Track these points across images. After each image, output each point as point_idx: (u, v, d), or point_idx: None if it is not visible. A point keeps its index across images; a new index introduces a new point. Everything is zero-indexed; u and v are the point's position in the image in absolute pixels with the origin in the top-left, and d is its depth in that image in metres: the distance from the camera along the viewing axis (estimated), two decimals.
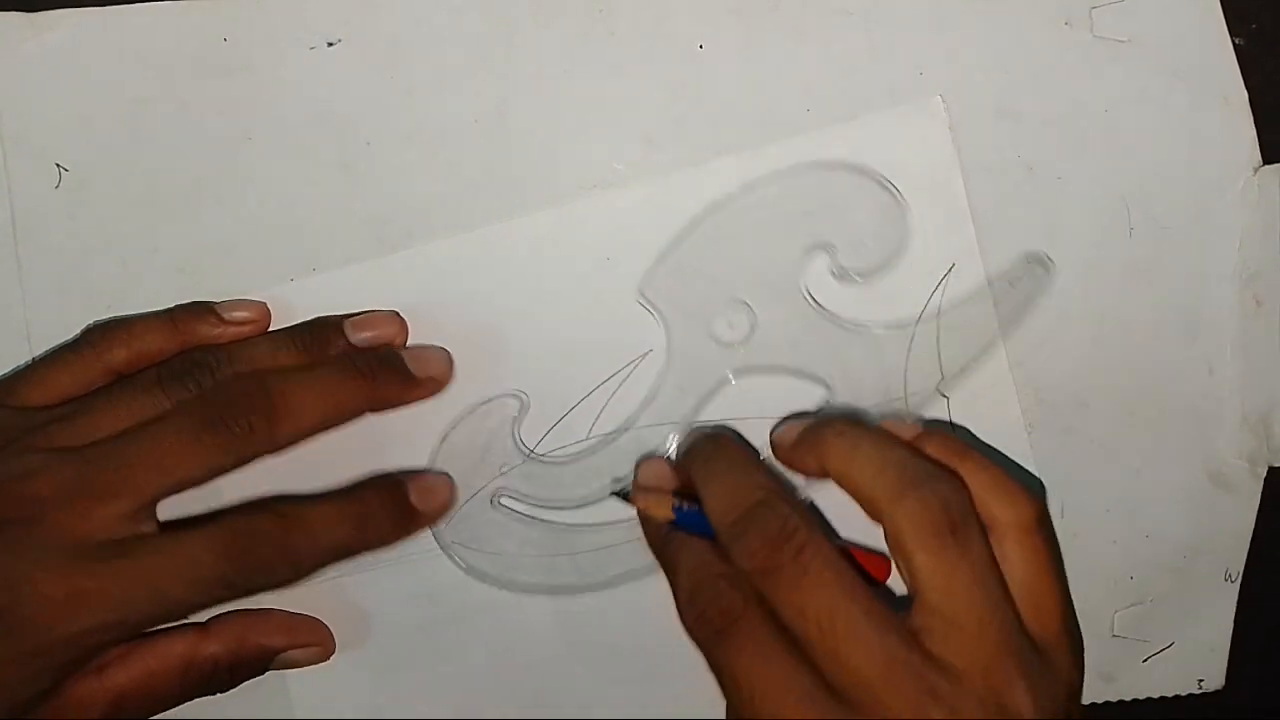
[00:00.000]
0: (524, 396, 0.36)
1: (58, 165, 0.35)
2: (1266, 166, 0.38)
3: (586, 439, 0.37)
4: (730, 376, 0.36)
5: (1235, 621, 0.40)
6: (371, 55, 0.36)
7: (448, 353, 0.35)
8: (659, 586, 0.36)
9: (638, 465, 0.36)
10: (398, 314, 0.35)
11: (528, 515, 0.36)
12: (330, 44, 0.36)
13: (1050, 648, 0.30)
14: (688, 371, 0.36)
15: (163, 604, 0.30)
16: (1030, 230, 0.38)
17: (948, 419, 0.38)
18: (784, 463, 0.34)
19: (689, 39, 0.37)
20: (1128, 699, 0.40)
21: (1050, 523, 0.32)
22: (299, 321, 0.35)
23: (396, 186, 0.36)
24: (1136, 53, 0.38)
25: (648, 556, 0.34)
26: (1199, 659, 0.40)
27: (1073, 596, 0.38)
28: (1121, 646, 0.39)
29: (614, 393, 0.37)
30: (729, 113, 0.37)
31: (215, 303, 0.35)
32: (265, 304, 0.35)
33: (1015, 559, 0.30)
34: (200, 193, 0.36)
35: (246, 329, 0.34)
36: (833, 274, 0.36)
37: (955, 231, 0.37)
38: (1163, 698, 0.40)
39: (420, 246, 0.36)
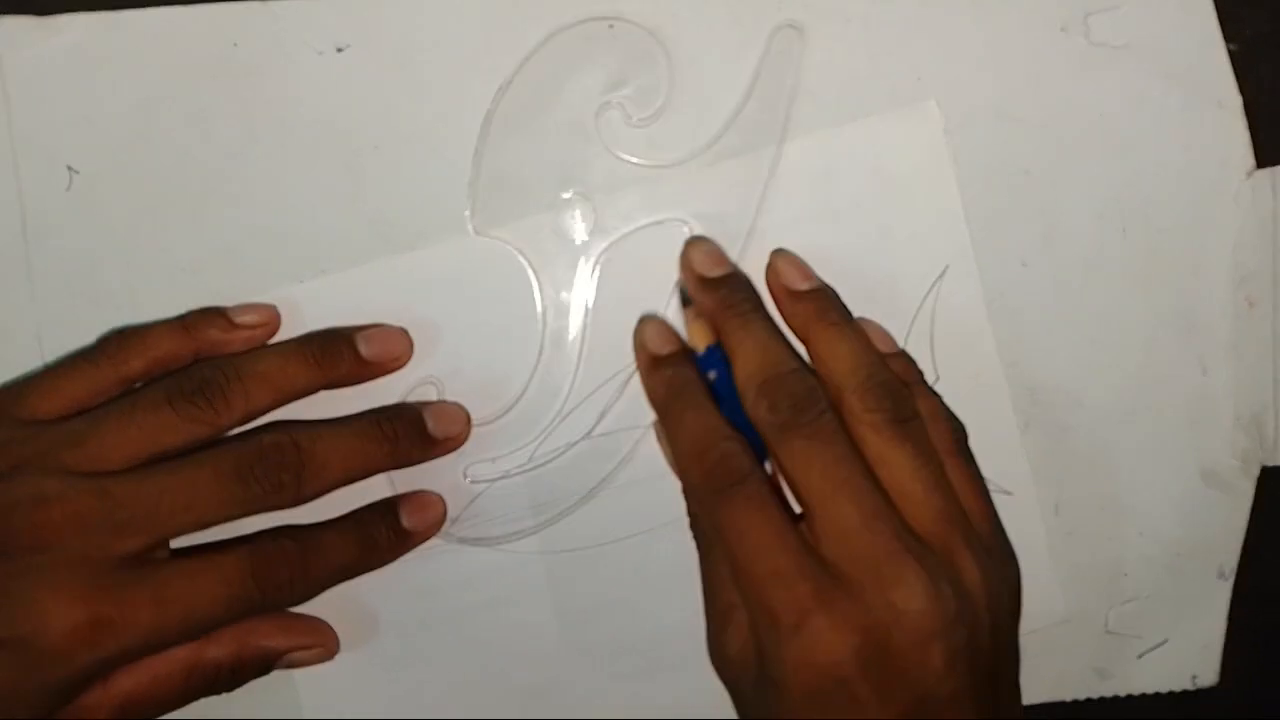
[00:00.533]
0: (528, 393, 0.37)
1: (68, 168, 0.36)
2: (1260, 170, 0.39)
3: (586, 437, 0.37)
4: (599, 261, 0.37)
5: (1228, 618, 0.40)
6: (379, 60, 0.36)
7: (466, 411, 0.36)
8: (660, 586, 0.37)
9: (681, 292, 0.36)
10: (405, 332, 0.36)
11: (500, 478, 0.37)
12: (339, 49, 0.36)
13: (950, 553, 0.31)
14: (562, 280, 0.37)
15: (192, 625, 0.31)
16: (1025, 233, 0.38)
17: None
18: (776, 298, 0.36)
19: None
20: (1121, 695, 0.40)
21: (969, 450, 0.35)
22: (309, 332, 0.35)
23: (404, 190, 0.36)
24: (1132, 58, 0.38)
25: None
26: (1193, 655, 0.40)
27: (1066, 594, 0.38)
28: (1115, 643, 0.39)
29: (617, 393, 0.37)
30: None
31: (226, 308, 0.35)
32: (274, 307, 0.35)
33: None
34: (209, 195, 0.36)
35: (258, 332, 0.35)
36: (628, 125, 0.37)
37: (949, 234, 0.38)
38: (1156, 694, 0.40)
39: (427, 249, 0.36)
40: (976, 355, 0.38)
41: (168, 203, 0.36)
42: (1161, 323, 0.39)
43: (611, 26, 0.36)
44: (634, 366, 0.37)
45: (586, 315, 0.37)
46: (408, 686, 0.37)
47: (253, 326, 0.35)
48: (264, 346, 0.35)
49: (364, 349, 0.35)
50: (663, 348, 0.35)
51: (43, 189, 0.36)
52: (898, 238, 0.38)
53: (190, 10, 0.36)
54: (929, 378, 0.38)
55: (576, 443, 0.37)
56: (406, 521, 0.35)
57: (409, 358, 0.36)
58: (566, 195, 0.37)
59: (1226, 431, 0.39)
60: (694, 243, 0.36)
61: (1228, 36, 0.38)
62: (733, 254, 0.37)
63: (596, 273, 0.37)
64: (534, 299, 0.37)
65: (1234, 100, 0.39)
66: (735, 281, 0.35)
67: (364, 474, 0.34)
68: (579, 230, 0.37)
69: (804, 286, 0.35)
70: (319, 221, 0.36)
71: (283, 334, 0.36)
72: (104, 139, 0.36)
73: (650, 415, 0.36)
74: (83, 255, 0.36)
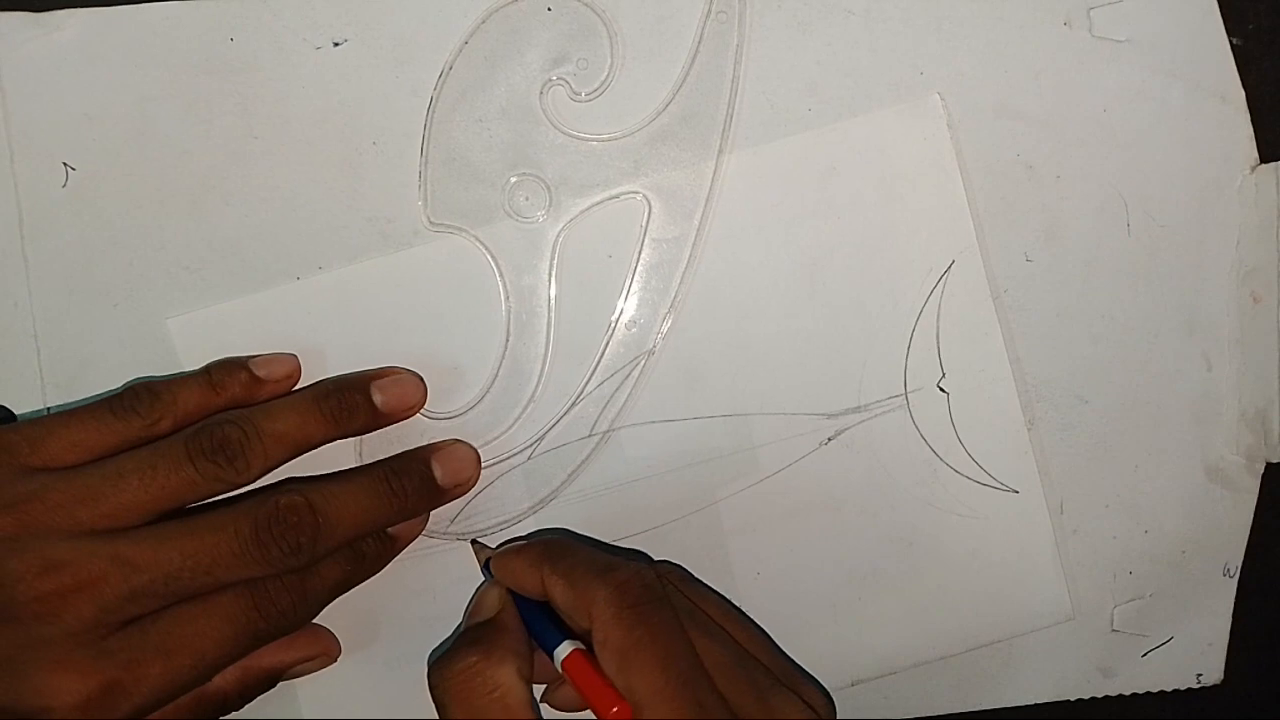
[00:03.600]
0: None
1: (65, 164, 0.35)
2: (1264, 165, 0.39)
3: (588, 436, 0.37)
4: (557, 239, 0.37)
5: (1233, 616, 0.40)
6: (377, 55, 0.36)
7: (475, 451, 0.36)
8: None
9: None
10: (420, 379, 0.36)
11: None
12: (336, 44, 0.36)
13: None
14: (522, 264, 0.37)
15: (203, 670, 0.31)
16: (1029, 228, 0.38)
17: (948, 415, 0.38)
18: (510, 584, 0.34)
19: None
20: (1126, 694, 0.40)
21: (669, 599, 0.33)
22: (324, 381, 0.35)
23: (402, 185, 0.36)
24: (1135, 52, 0.38)
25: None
26: (1197, 654, 0.40)
27: (1071, 592, 0.38)
28: (1120, 641, 0.39)
29: (614, 391, 0.37)
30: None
31: (249, 360, 0.35)
32: (296, 359, 0.35)
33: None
34: (207, 191, 0.36)
35: (282, 385, 0.35)
36: (574, 101, 0.36)
37: (955, 229, 0.38)
38: (1161, 692, 0.40)
39: (425, 245, 0.36)
40: (982, 352, 0.38)
41: (165, 199, 0.36)
42: (1165, 318, 0.39)
43: (550, 10, 0.36)
44: (605, 347, 0.37)
45: (550, 297, 0.37)
46: (408, 686, 0.37)
47: (277, 381, 0.34)
48: (281, 399, 0.34)
49: (379, 399, 0.35)
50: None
51: (40, 186, 0.35)
52: (902, 233, 0.37)
53: (187, 6, 0.36)
54: (934, 375, 0.37)
55: (572, 442, 0.37)
56: (391, 528, 0.35)
57: (423, 405, 0.36)
58: (516, 177, 0.36)
59: (1231, 428, 0.39)
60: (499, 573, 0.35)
61: (1231, 31, 0.38)
62: (692, 223, 0.37)
63: (556, 253, 0.37)
64: (496, 285, 0.36)
65: (1237, 95, 0.39)
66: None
67: (373, 530, 0.34)
68: (534, 210, 0.37)
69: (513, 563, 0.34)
70: (317, 217, 0.36)
71: (285, 335, 0.36)
72: (101, 135, 0.35)
73: (642, 413, 0.36)
74: (80, 252, 0.36)
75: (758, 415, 0.37)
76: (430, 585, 0.37)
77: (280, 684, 0.35)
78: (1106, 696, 0.40)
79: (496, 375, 0.37)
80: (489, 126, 0.36)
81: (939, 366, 0.38)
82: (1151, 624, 0.39)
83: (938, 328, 0.38)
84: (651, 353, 0.37)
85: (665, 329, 0.37)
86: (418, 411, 0.36)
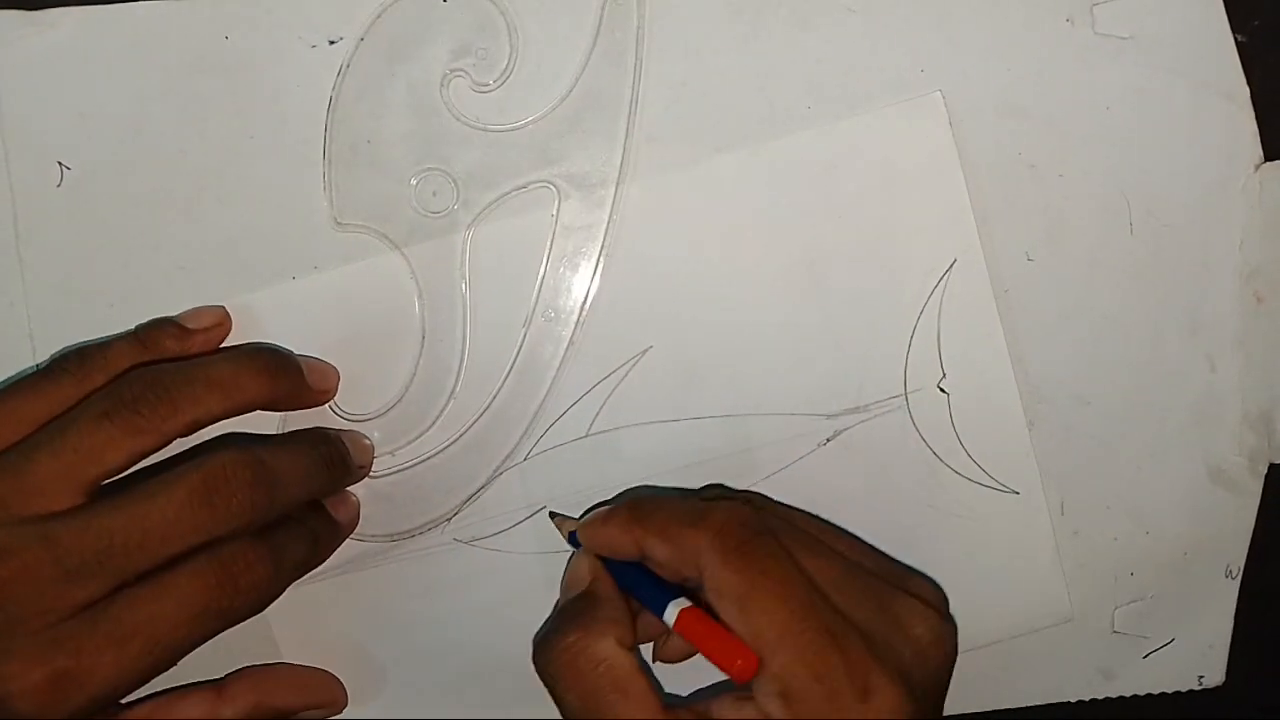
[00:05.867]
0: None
1: (59, 164, 0.35)
2: (1268, 163, 0.38)
3: (585, 437, 0.37)
4: (467, 232, 0.36)
5: (1235, 618, 0.40)
6: (372, 53, 0.36)
7: (371, 444, 0.36)
8: None
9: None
10: (336, 370, 0.35)
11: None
12: (331, 42, 0.36)
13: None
14: (433, 259, 0.36)
15: (160, 656, 0.29)
16: (1031, 227, 0.38)
17: (948, 416, 0.38)
18: (601, 549, 0.34)
19: (691, 36, 0.37)
20: (1128, 695, 0.40)
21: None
22: (253, 343, 0.35)
23: (397, 185, 0.36)
24: (1138, 50, 0.38)
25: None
26: (1199, 655, 0.40)
27: (1072, 593, 0.38)
28: (1122, 643, 0.39)
29: (614, 390, 0.37)
30: (730, 109, 0.37)
31: (177, 316, 0.34)
32: (224, 309, 0.35)
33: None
34: (202, 191, 0.36)
35: (213, 335, 0.34)
36: (476, 92, 0.36)
37: (956, 228, 0.37)
38: (1163, 694, 0.40)
39: (421, 244, 0.36)
40: (984, 352, 0.38)
41: (159, 198, 0.36)
42: (1168, 318, 0.39)
43: (445, 1, 0.36)
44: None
45: (465, 291, 0.36)
46: (408, 686, 0.37)
47: (206, 329, 0.34)
48: (213, 354, 0.34)
49: (307, 374, 0.34)
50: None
51: (34, 186, 0.35)
52: (903, 232, 0.37)
53: (181, 4, 0.35)
54: (935, 375, 0.37)
55: (568, 442, 0.37)
56: (334, 514, 0.35)
57: (334, 394, 0.36)
58: (421, 171, 0.36)
59: (1234, 429, 0.39)
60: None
61: (1235, 28, 0.38)
62: (604, 209, 0.36)
63: (468, 246, 0.36)
64: (408, 284, 0.36)
65: (1242, 92, 0.38)
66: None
67: (319, 495, 0.33)
68: (443, 207, 0.36)
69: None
70: (313, 218, 0.36)
71: (282, 335, 0.35)
72: (95, 135, 0.35)
73: (639, 413, 0.36)
74: (74, 252, 0.35)
75: (756, 416, 0.37)
76: (430, 586, 0.37)
77: None
78: (1107, 698, 0.40)
79: (414, 375, 0.36)
80: (391, 121, 0.36)
81: (939, 367, 0.37)
82: (1153, 625, 0.39)
83: (938, 327, 0.37)
84: (645, 352, 0.37)
85: (584, 316, 0.37)
86: (331, 398, 0.36)
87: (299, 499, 0.32)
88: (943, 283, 0.37)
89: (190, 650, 0.30)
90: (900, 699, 0.29)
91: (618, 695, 0.30)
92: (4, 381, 0.35)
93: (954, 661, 0.32)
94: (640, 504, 0.33)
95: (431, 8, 0.36)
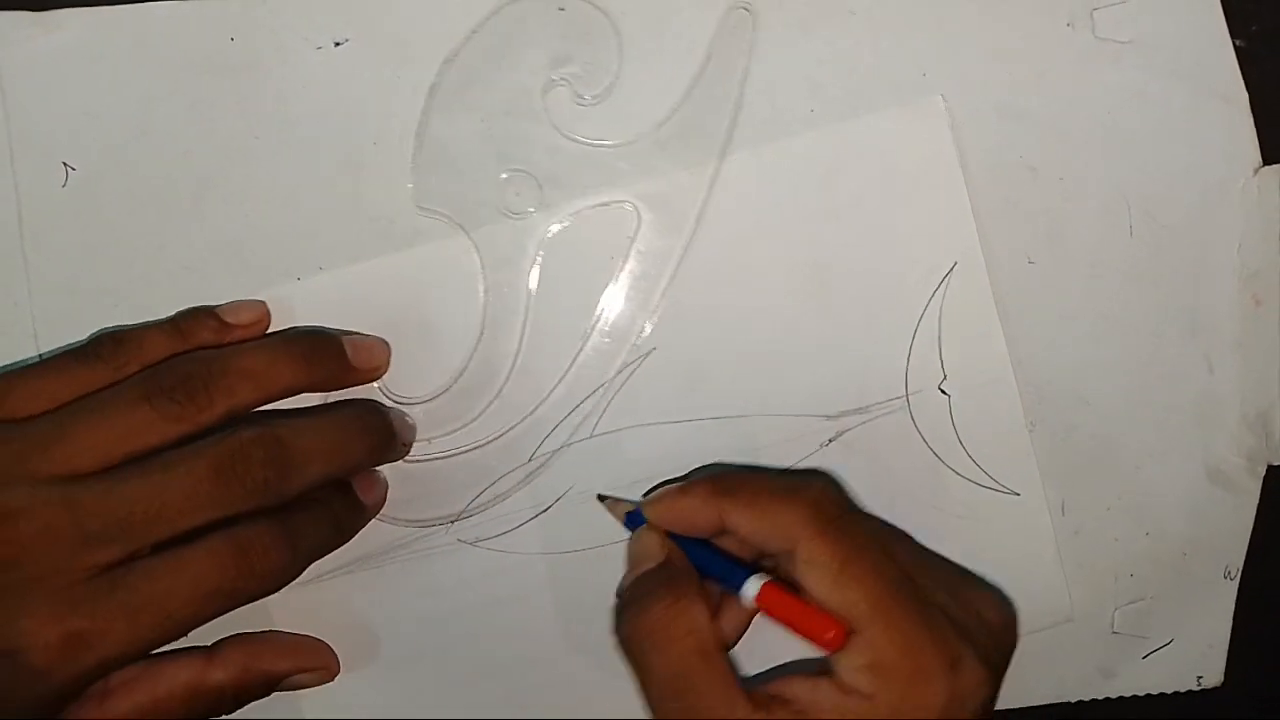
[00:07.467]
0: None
1: (65, 164, 0.35)
2: (1266, 167, 0.39)
3: (589, 437, 0.37)
4: (542, 239, 0.36)
5: (1234, 618, 0.40)
6: (378, 55, 0.36)
7: (415, 426, 0.36)
8: None
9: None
10: (387, 344, 0.35)
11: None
12: (337, 44, 0.36)
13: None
14: (504, 260, 0.36)
15: (169, 628, 0.30)
16: (1032, 230, 0.38)
17: (949, 417, 0.38)
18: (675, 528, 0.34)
19: (694, 39, 0.37)
20: (1127, 695, 0.40)
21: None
22: (295, 328, 0.35)
23: (402, 186, 0.36)
24: (1138, 54, 0.38)
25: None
26: (1198, 656, 0.40)
27: (1072, 594, 0.38)
28: (1121, 643, 0.39)
29: (616, 391, 0.37)
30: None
31: (217, 307, 0.34)
32: (264, 304, 0.35)
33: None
34: (207, 192, 0.36)
35: (251, 331, 0.34)
36: (576, 103, 0.36)
37: (957, 230, 0.38)
38: (1162, 694, 0.40)
39: (425, 245, 0.36)
40: (984, 354, 0.38)
41: (165, 199, 0.36)
42: (1167, 321, 0.39)
43: (562, 9, 0.36)
44: (579, 353, 0.37)
45: (529, 297, 0.36)
46: (408, 686, 0.37)
47: (246, 325, 0.34)
48: (249, 342, 0.34)
49: (351, 354, 0.34)
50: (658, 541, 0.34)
51: (39, 186, 0.35)
52: (904, 235, 0.37)
53: (188, 5, 0.35)
54: (935, 377, 0.37)
55: (573, 443, 0.37)
56: (360, 496, 0.34)
57: (386, 369, 0.36)
58: (508, 173, 0.36)
59: (1233, 430, 0.39)
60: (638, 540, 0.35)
61: (1234, 32, 0.38)
62: (680, 238, 0.37)
63: (540, 253, 0.36)
64: (477, 278, 0.36)
65: (1240, 96, 0.39)
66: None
67: (342, 472, 0.33)
68: (523, 207, 0.36)
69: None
70: (317, 218, 0.36)
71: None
72: (101, 135, 0.35)
73: (643, 414, 0.36)
74: (79, 252, 0.35)
75: (759, 417, 0.37)
76: (430, 585, 0.37)
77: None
78: (1107, 698, 0.40)
79: (466, 367, 0.36)
80: (488, 119, 0.36)
81: (940, 368, 0.38)
82: (1152, 626, 0.39)
83: (939, 329, 0.37)
84: (649, 353, 0.37)
85: (641, 340, 0.37)
86: (382, 374, 0.35)
87: (325, 476, 0.32)
88: (944, 285, 0.38)
89: (199, 625, 0.30)
90: (984, 676, 0.31)
91: (704, 665, 0.31)
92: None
93: (1015, 648, 0.34)
94: (723, 478, 0.34)
95: (546, 13, 0.36)
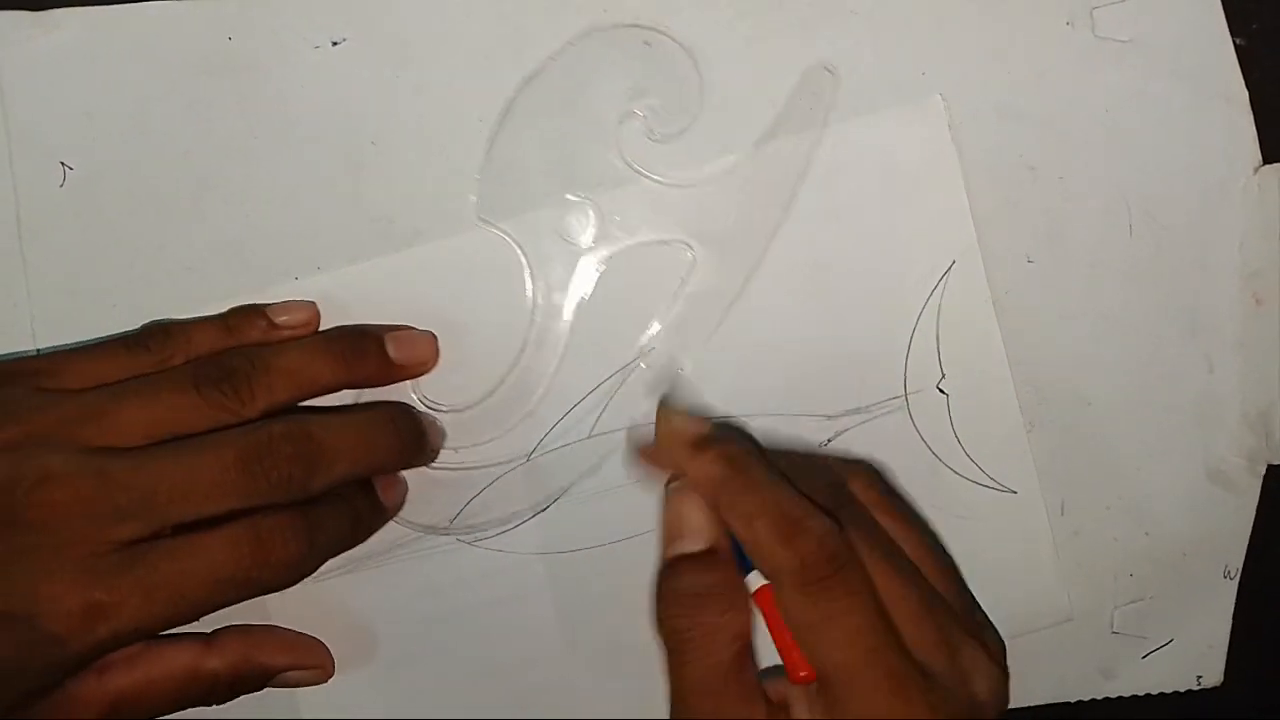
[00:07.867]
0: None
1: (63, 164, 0.35)
2: (1267, 166, 0.39)
3: (589, 437, 0.37)
4: (596, 269, 0.36)
5: (1234, 618, 0.40)
6: (377, 54, 0.36)
7: (444, 433, 0.36)
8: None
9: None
10: (434, 337, 0.36)
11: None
12: (335, 43, 0.36)
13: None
14: (556, 281, 0.36)
15: (183, 609, 0.30)
16: (1031, 229, 0.38)
17: (948, 417, 0.38)
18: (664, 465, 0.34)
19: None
20: (1127, 695, 0.40)
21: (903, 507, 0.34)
22: (339, 327, 0.35)
23: (401, 185, 0.36)
24: (1138, 53, 0.38)
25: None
26: (1198, 656, 0.40)
27: (1072, 594, 0.38)
28: (1121, 643, 0.39)
29: (616, 390, 0.37)
30: (732, 111, 0.37)
31: (267, 307, 0.35)
32: (315, 305, 0.35)
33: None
34: (206, 191, 0.36)
35: (299, 332, 0.34)
36: (649, 138, 0.36)
37: (956, 229, 0.38)
38: (1162, 694, 0.40)
39: (425, 245, 0.36)
40: (983, 353, 0.38)
41: (163, 199, 0.36)
42: (1167, 320, 0.39)
43: (648, 44, 0.36)
44: (616, 372, 0.36)
45: (575, 320, 0.37)
46: (408, 686, 0.37)
47: (294, 328, 0.34)
48: (292, 341, 0.34)
49: (393, 351, 0.34)
50: (703, 427, 0.33)
51: (37, 185, 0.35)
52: (903, 234, 0.37)
53: (186, 5, 0.36)
54: (934, 376, 0.37)
55: (573, 443, 0.37)
56: (381, 497, 0.35)
57: (435, 363, 0.36)
58: (573, 197, 0.36)
59: (1233, 430, 0.39)
60: (669, 415, 0.34)
61: (1234, 31, 0.38)
62: (734, 285, 0.37)
63: (592, 279, 0.37)
64: (526, 295, 0.36)
65: (1240, 95, 0.38)
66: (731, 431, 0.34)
67: (368, 472, 0.33)
68: (580, 234, 0.36)
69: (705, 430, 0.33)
70: (316, 217, 0.36)
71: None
72: (99, 135, 0.35)
73: (636, 416, 0.36)
74: (78, 252, 0.35)
75: (758, 416, 0.37)
76: (430, 585, 0.37)
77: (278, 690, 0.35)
78: (1106, 698, 0.40)
79: (504, 381, 0.36)
80: (560, 141, 0.36)
81: (939, 368, 0.38)
82: (1152, 626, 0.39)
83: (938, 329, 0.37)
84: (649, 351, 0.37)
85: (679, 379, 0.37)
86: (430, 370, 0.36)
87: (351, 474, 0.32)
88: (942, 284, 0.38)
89: (213, 611, 0.31)
90: None
91: (739, 672, 0.30)
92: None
93: (1003, 716, 0.32)
94: (729, 484, 0.31)
95: (632, 45, 0.36)
